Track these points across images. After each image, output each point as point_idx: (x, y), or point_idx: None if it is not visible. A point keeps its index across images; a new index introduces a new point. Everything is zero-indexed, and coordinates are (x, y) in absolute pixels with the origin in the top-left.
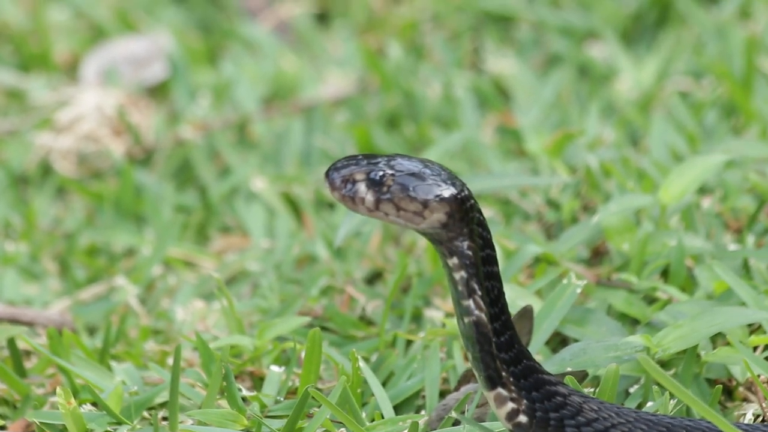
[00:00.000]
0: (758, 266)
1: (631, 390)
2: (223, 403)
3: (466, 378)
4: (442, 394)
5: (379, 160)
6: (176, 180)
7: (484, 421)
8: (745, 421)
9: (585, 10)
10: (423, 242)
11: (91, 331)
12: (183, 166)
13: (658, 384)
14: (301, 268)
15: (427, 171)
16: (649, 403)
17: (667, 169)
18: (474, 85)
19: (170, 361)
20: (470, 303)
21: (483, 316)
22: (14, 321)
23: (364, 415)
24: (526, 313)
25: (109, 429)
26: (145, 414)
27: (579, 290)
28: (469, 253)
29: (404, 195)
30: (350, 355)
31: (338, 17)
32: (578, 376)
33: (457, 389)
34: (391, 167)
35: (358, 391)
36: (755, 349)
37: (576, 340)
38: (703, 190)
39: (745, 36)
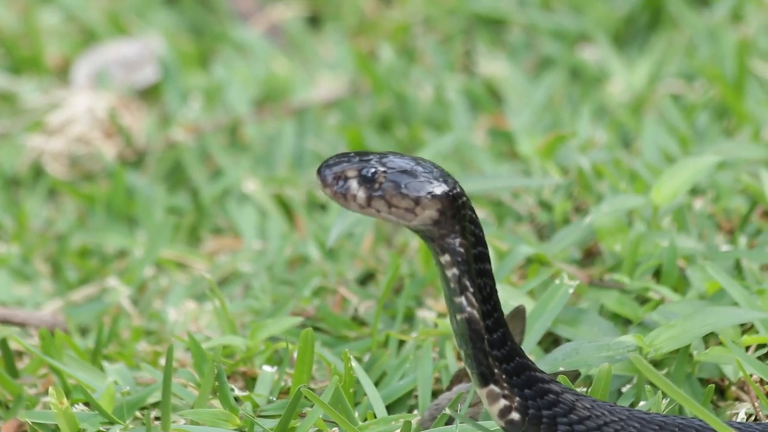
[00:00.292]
0: (750, 267)
1: (624, 389)
2: (216, 403)
3: (458, 378)
4: (435, 394)
5: (371, 157)
6: (168, 182)
7: (477, 420)
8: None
9: (577, 13)
10: (415, 243)
11: (83, 331)
12: (175, 168)
13: (651, 383)
14: (294, 269)
15: (419, 168)
16: (642, 403)
17: (659, 171)
18: (466, 87)
19: (162, 361)
20: (462, 300)
21: (475, 313)
22: (6, 322)
23: (356, 414)
24: (519, 313)
25: (101, 429)
26: (138, 414)
27: (571, 290)
28: (461, 250)
29: (396, 192)
30: (343, 355)
31: (330, 20)
32: (571, 375)
33: (449, 389)
34: (383, 164)
35: (351, 390)
36: (747, 348)
37: (568, 340)
38: (695, 191)
39: (736, 39)
